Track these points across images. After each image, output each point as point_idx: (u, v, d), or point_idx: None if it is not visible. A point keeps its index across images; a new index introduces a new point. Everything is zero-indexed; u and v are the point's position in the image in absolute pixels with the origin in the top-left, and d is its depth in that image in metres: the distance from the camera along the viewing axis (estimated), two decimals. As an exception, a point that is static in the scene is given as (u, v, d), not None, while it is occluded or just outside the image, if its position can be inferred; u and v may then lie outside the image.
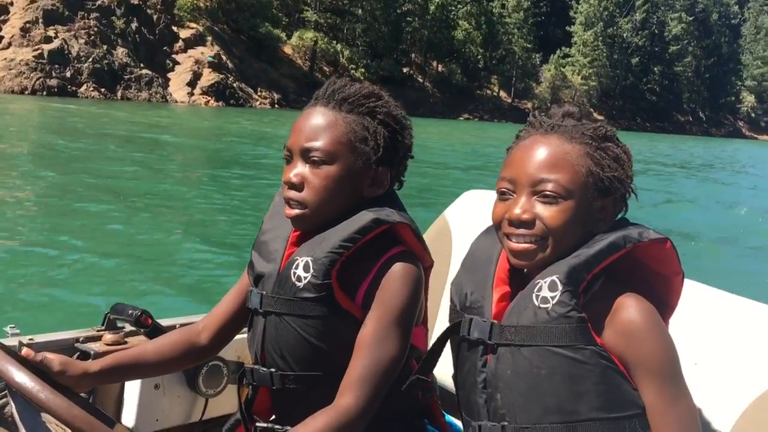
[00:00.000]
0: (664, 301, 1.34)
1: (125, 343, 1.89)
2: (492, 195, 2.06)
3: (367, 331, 1.42)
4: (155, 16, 42.44)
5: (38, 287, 6.81)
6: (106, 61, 36.82)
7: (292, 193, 1.48)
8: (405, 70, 64.35)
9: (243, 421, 1.60)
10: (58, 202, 10.53)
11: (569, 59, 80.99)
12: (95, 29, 37.18)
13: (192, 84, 41.25)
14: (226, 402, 1.99)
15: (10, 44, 34.63)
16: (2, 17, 35.68)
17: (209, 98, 41.29)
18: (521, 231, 1.32)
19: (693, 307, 1.60)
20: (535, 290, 1.29)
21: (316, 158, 1.47)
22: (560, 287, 1.26)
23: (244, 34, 49.31)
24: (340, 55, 57.78)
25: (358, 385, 1.38)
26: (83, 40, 36.47)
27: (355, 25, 60.26)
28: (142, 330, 1.87)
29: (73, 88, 35.02)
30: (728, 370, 1.53)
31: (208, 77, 42.35)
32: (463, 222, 2.12)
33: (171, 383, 1.92)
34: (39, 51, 34.42)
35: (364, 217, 1.46)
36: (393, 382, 1.45)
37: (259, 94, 46.01)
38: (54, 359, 1.40)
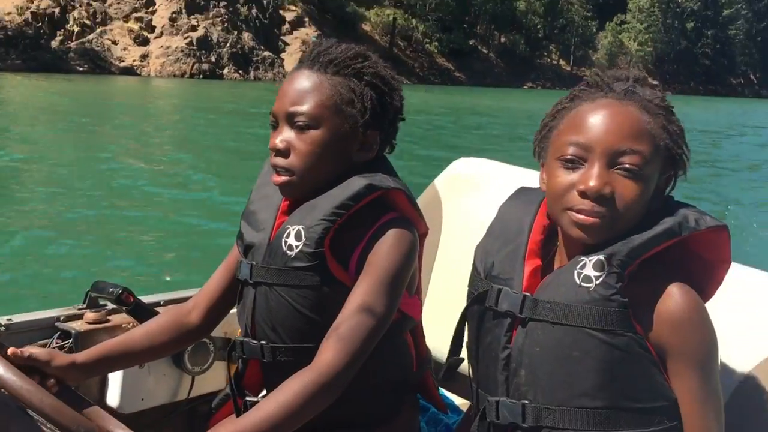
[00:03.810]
0: (702, 288, 1.24)
1: (108, 321, 1.82)
2: (482, 163, 2.10)
3: (356, 292, 1.37)
4: (265, 1, 46.29)
5: (22, 266, 6.65)
6: (239, 45, 40.88)
7: (279, 160, 1.44)
8: (470, 42, 67.39)
9: (232, 396, 1.55)
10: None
11: (625, 26, 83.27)
12: (226, 16, 41.22)
13: (304, 63, 45.23)
14: (213, 379, 1.95)
15: (162, 33, 38.99)
16: (150, 9, 40.07)
17: (320, 76, 45.15)
18: (595, 205, 1.18)
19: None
20: (578, 267, 1.21)
21: (301, 123, 1.42)
22: (607, 268, 1.18)
23: (330, 14, 52.96)
24: (416, 30, 60.98)
25: (340, 342, 1.32)
26: (219, 27, 40.53)
27: (426, 0, 63.38)
28: (123, 308, 1.80)
29: (219, 72, 39.22)
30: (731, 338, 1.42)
31: (315, 56, 46.23)
32: (453, 191, 2.04)
33: (156, 362, 1.82)
34: (189, 39, 38.67)
35: (357, 182, 1.41)
36: (384, 354, 1.43)
37: (353, 70, 49.66)
38: (40, 353, 1.34)
